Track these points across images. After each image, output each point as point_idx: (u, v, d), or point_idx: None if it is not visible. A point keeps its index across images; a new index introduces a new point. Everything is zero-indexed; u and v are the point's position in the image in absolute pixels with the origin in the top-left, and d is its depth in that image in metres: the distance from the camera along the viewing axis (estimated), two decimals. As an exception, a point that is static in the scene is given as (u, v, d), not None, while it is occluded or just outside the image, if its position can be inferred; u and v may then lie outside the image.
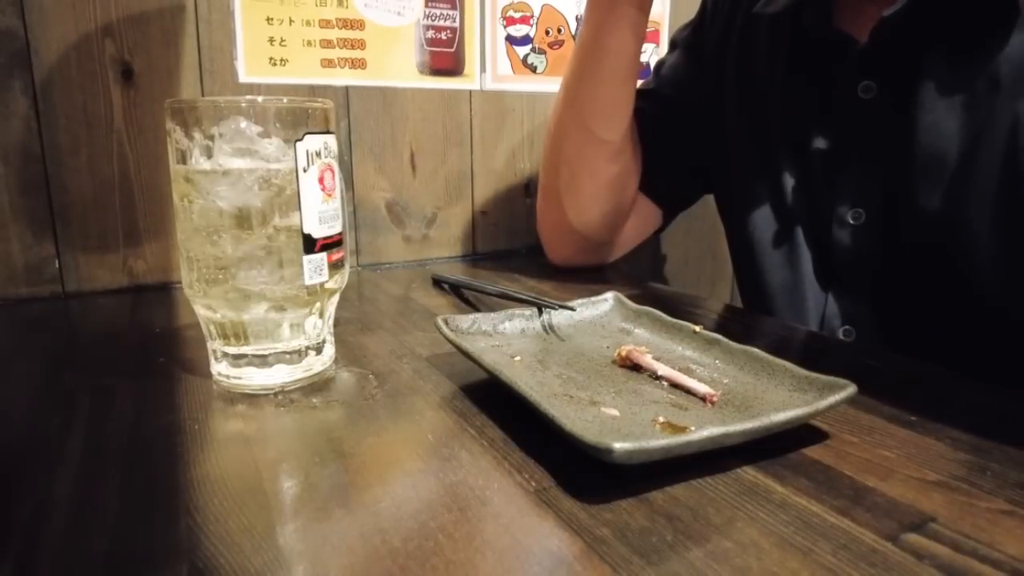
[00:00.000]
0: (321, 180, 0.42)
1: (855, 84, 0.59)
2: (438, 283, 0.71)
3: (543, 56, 0.91)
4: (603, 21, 0.65)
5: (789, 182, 0.65)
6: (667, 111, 0.76)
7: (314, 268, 0.42)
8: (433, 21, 0.83)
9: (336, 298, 0.46)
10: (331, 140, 0.43)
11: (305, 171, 0.41)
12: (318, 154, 0.42)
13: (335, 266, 0.44)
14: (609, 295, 0.53)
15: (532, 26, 0.89)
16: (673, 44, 0.80)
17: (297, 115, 0.41)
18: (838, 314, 0.62)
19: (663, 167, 0.76)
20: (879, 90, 0.58)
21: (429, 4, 0.82)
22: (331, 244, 0.43)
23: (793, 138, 0.65)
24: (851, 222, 0.61)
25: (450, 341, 0.44)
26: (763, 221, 0.67)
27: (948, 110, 0.53)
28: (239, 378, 0.43)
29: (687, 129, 0.75)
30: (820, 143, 0.63)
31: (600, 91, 0.68)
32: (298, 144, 0.40)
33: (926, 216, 0.55)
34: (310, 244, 0.42)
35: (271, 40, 0.74)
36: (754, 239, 0.68)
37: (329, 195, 0.43)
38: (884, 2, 0.56)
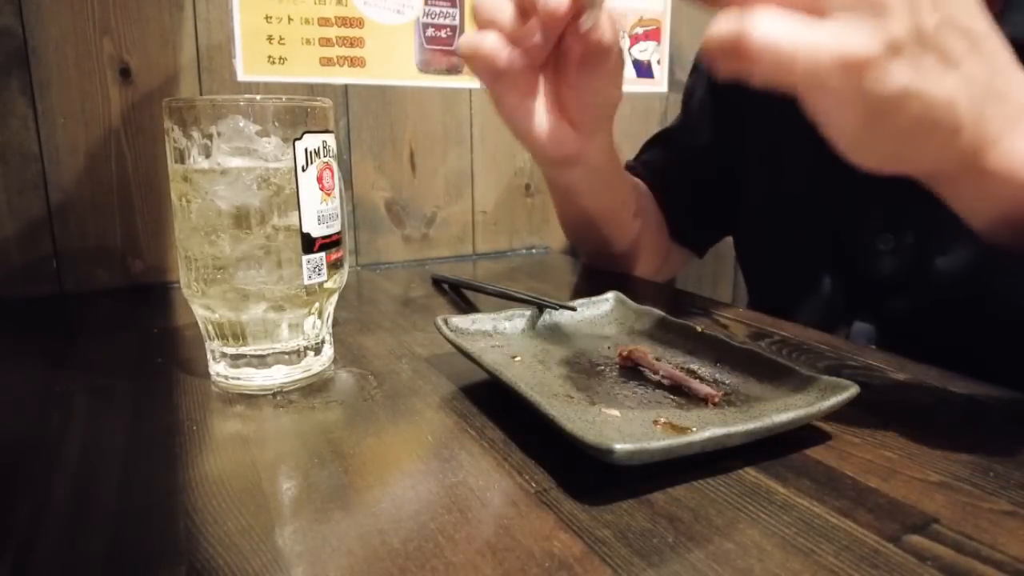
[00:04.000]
0: (320, 179, 0.42)
1: None
2: (438, 283, 0.71)
3: (543, 55, 0.90)
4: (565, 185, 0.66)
5: (813, 208, 0.64)
6: (698, 152, 0.76)
7: (313, 268, 0.42)
8: (433, 19, 0.82)
9: (335, 298, 0.46)
10: (330, 139, 0.43)
11: (304, 170, 0.41)
12: (317, 153, 0.41)
13: (334, 266, 0.43)
14: (610, 295, 0.53)
15: (532, 25, 0.89)
16: (696, 66, 0.79)
17: (296, 114, 0.40)
18: (864, 341, 0.62)
19: (698, 216, 0.78)
20: None
21: (429, 2, 0.82)
22: (330, 244, 0.43)
23: (817, 161, 0.64)
24: (881, 248, 0.59)
25: (450, 341, 0.43)
26: (785, 246, 0.67)
27: None
28: (237, 378, 0.42)
29: (718, 167, 0.75)
30: (846, 166, 0.62)
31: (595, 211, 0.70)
32: (297, 143, 0.40)
33: (978, 241, 0.54)
34: (309, 244, 0.41)
35: (270, 38, 0.74)
36: (775, 264, 0.68)
37: (328, 194, 0.42)
38: None
